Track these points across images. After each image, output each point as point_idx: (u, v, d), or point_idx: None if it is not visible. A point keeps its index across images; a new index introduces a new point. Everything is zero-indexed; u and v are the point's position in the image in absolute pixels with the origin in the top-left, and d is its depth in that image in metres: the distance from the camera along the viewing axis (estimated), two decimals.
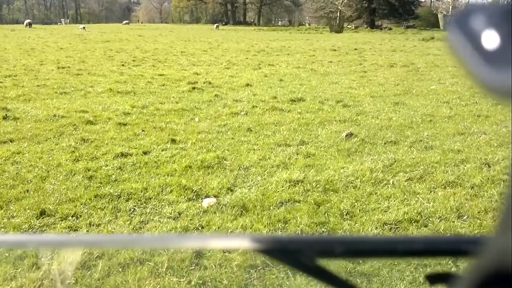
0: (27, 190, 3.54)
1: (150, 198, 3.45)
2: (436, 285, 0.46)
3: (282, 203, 3.35)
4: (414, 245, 0.45)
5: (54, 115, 6.25)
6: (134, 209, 3.23)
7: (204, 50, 18.38)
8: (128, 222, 2.96)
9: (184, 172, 4.05)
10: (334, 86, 9.53)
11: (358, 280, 2.32)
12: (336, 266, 2.30)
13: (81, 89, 8.71)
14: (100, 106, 7.09)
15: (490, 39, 0.26)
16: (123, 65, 12.73)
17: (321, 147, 4.92)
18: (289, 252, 0.45)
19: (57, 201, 3.30)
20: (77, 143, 4.93)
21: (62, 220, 2.99)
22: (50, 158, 4.37)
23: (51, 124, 5.80)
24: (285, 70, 12.17)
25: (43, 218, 3.00)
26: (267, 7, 76.16)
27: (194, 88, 9.05)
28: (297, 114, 6.72)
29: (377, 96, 8.32)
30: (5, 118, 5.99)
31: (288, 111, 6.99)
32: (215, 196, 3.48)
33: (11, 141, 4.94)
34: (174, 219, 3.06)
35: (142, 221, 3.00)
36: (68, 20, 72.87)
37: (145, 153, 4.64)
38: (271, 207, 3.25)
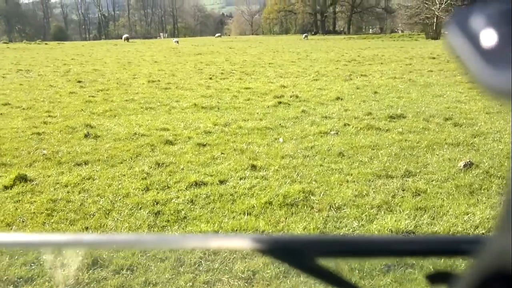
0: (87, 228, 3.13)
1: None
2: (436, 285, 0.45)
3: (389, 266, 2.52)
4: (414, 245, 0.45)
5: (135, 134, 6.01)
6: (200, 262, 2.63)
7: (292, 61, 17.82)
8: (191, 283, 2.37)
9: (263, 211, 3.39)
10: (439, 100, 8.33)
11: None
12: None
13: (167, 104, 8.55)
14: (182, 123, 6.77)
15: (490, 39, 0.26)
16: (210, 78, 12.58)
17: (433, 181, 3.98)
18: (289, 252, 0.45)
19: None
20: (151, 167, 4.54)
21: (114, 275, 2.49)
22: (120, 186, 3.99)
23: (130, 143, 5.53)
24: (379, 81, 11.11)
25: (94, 269, 2.52)
26: (357, 15, 74.09)
27: (280, 102, 8.45)
28: (397, 134, 5.78)
29: (494, 112, 7.01)
30: (86, 136, 5.86)
31: (387, 130, 6.07)
32: None
33: (85, 164, 4.70)
34: (247, 281, 2.41)
35: (207, 282, 2.39)
36: (166, 34, 77.42)
37: (221, 182, 4.08)
38: (374, 273, 2.45)
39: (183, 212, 3.42)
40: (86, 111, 7.79)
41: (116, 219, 3.29)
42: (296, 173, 4.28)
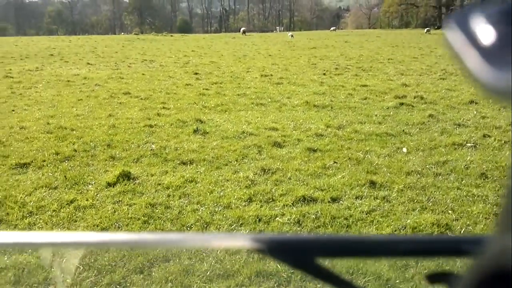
0: None
1: None
2: (436, 285, 0.45)
3: None
4: (414, 245, 0.45)
5: (243, 132, 5.71)
6: None
7: (414, 57, 16.32)
8: None
9: None
10: None
11: None
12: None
13: (278, 100, 8.18)
14: (292, 122, 6.31)
15: (490, 39, 0.26)
16: (324, 73, 11.95)
17: None
18: (289, 252, 0.45)
19: (204, 276, 2.43)
20: (256, 173, 4.14)
21: None
22: (222, 194, 3.65)
23: (237, 143, 5.23)
24: None
25: None
26: None
27: (402, 104, 7.55)
28: None
29: None
30: (195, 131, 5.71)
31: None
32: None
33: (190, 163, 4.48)
34: None
35: None
36: (282, 28, 78.05)
37: (333, 199, 3.51)
38: None
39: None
40: (198, 105, 7.75)
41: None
42: (426, 197, 3.53)
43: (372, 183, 3.84)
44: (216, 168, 4.33)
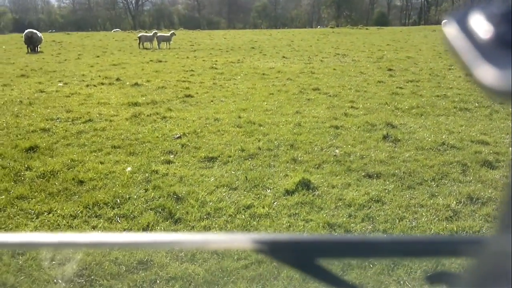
0: None
1: None
2: (436, 285, 0.45)
3: None
4: (414, 245, 0.44)
5: (443, 143, 4.86)
6: None
7: None
8: None
9: None
10: None
11: None
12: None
13: (488, 105, 6.87)
14: (507, 136, 5.13)
15: (490, 38, 0.26)
16: None
17: None
18: (289, 253, 0.44)
19: None
20: (459, 202, 3.33)
21: None
22: (414, 224, 2.99)
23: (435, 157, 4.43)
24: None
25: None
26: None
27: None
28: None
29: None
30: (385, 137, 5.10)
31: None
32: None
33: (377, 176, 3.92)
34: None
35: None
36: None
37: None
38: None
39: None
40: (390, 105, 7.05)
41: None
42: None
43: None
44: (407, 187, 3.69)
